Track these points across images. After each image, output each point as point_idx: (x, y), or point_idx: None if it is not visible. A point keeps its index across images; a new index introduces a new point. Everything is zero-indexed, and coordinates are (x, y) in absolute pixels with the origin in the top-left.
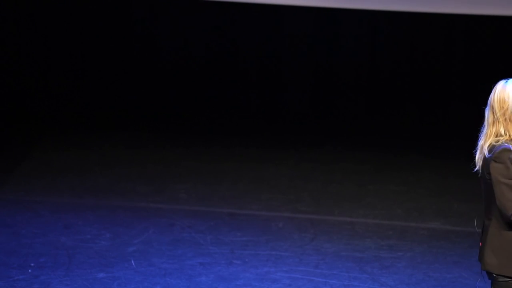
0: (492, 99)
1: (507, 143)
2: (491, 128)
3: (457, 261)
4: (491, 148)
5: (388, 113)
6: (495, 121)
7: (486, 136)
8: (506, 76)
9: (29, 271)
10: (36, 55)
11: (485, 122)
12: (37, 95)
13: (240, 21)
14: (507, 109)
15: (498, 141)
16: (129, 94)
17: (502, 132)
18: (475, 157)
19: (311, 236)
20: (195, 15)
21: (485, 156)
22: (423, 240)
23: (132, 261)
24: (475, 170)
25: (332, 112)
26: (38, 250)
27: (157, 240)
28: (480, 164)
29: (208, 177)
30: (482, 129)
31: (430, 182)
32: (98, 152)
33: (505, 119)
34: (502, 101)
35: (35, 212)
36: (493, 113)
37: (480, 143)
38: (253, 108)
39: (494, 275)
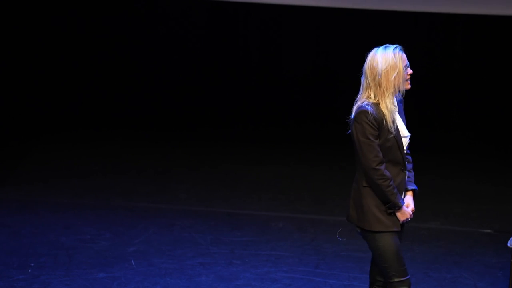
0: (365, 66)
1: (371, 106)
2: (364, 93)
3: (457, 261)
4: (355, 110)
5: None
6: (367, 86)
7: (359, 101)
8: (506, 76)
9: (29, 271)
10: (36, 54)
11: (361, 88)
12: (38, 95)
13: (240, 22)
14: (376, 75)
15: (363, 102)
16: (129, 94)
17: (373, 97)
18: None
19: (311, 236)
20: (195, 15)
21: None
22: (423, 240)
23: (132, 261)
24: (348, 132)
25: (331, 112)
26: (38, 250)
27: (157, 240)
28: None
29: (208, 177)
30: (358, 95)
31: (430, 182)
32: (98, 152)
33: (375, 84)
34: (372, 68)
35: (35, 212)
36: (366, 79)
37: (354, 107)
38: (253, 108)
39: (355, 226)
